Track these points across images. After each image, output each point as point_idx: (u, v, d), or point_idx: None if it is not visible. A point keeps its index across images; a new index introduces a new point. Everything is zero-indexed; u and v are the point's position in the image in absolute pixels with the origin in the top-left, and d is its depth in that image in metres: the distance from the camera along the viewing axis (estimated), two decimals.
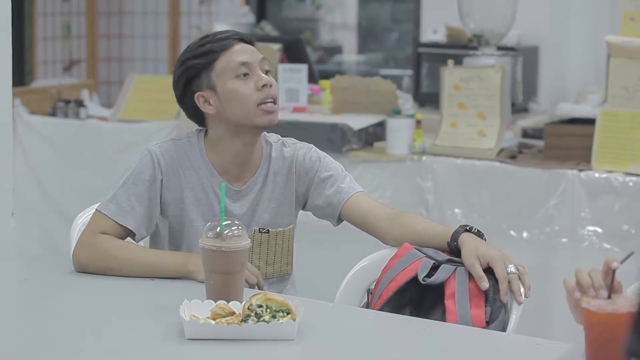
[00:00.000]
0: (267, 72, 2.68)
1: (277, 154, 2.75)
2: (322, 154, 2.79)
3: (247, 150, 2.70)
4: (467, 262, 2.47)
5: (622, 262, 1.97)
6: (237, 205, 2.69)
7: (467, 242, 2.51)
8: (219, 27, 6.80)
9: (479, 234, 2.55)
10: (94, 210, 2.69)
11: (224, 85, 2.65)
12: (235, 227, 2.34)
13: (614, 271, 1.93)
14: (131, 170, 2.70)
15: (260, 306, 2.20)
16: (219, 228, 2.33)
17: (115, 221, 2.64)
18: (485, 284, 2.42)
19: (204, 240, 2.33)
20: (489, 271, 2.46)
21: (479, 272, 2.44)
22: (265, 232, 2.73)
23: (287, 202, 2.75)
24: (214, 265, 2.33)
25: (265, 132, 2.75)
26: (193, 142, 2.72)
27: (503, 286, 2.42)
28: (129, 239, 2.68)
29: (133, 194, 2.66)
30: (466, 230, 2.54)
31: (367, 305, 2.59)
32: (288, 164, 2.75)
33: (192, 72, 2.67)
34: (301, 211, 2.82)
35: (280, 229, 2.75)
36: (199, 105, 2.68)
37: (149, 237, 2.78)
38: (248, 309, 2.20)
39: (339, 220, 2.76)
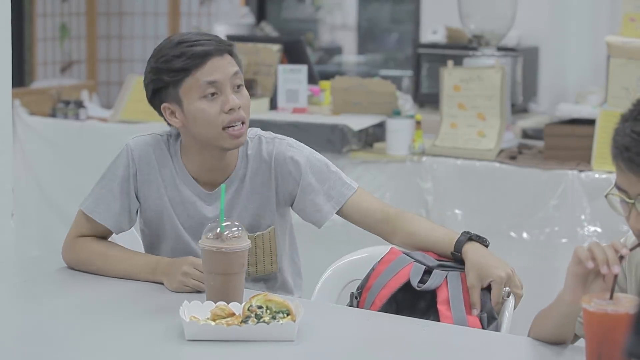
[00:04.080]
0: (239, 87, 2.58)
1: (254, 152, 2.67)
2: (305, 152, 2.69)
3: (217, 160, 2.64)
4: (468, 282, 2.47)
5: (631, 249, 1.98)
6: (211, 208, 2.64)
7: (470, 255, 2.49)
8: (219, 28, 6.80)
9: (481, 240, 2.52)
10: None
11: (190, 103, 2.55)
12: (235, 228, 2.34)
13: (616, 275, 1.94)
14: (109, 166, 2.70)
15: (260, 307, 2.20)
16: (218, 229, 2.32)
17: (92, 218, 2.66)
18: (475, 311, 2.44)
19: (204, 241, 2.33)
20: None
21: (474, 297, 2.45)
22: None
23: (267, 202, 2.67)
24: (214, 266, 2.33)
25: None
26: (171, 142, 2.68)
27: (496, 308, 2.44)
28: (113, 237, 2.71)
29: (109, 191, 2.66)
30: (469, 239, 2.52)
31: None
32: (267, 163, 2.66)
33: (160, 84, 2.57)
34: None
35: (258, 232, 2.68)
36: (165, 117, 2.60)
37: (142, 231, 2.77)
38: (248, 309, 2.20)
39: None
